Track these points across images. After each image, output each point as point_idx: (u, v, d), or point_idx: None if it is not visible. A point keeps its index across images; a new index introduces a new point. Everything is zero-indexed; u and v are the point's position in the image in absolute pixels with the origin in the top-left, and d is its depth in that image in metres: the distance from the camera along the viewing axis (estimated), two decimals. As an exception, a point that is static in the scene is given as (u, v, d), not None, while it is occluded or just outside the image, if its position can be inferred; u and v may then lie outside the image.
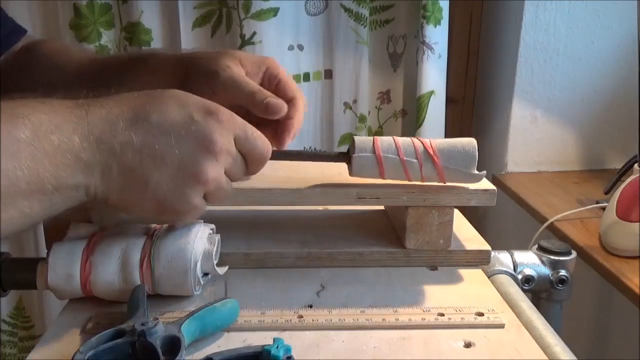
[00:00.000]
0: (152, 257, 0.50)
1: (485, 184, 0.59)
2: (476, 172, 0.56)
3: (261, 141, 0.51)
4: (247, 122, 0.50)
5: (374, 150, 0.56)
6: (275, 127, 0.61)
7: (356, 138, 0.57)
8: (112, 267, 0.50)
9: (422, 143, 0.56)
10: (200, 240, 0.52)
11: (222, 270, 0.54)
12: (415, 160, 0.55)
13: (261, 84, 0.62)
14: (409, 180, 0.57)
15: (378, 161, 0.55)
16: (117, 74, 0.65)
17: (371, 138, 0.57)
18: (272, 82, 0.62)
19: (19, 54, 0.72)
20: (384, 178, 0.57)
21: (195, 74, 0.60)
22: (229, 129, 0.48)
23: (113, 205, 0.47)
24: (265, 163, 0.52)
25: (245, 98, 0.58)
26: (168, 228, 0.54)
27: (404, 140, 0.57)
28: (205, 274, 0.54)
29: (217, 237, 0.55)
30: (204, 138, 0.46)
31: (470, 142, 0.57)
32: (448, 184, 0.58)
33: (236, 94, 0.59)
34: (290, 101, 0.61)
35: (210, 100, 0.61)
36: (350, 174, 0.58)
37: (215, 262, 0.53)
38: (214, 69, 0.59)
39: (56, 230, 0.55)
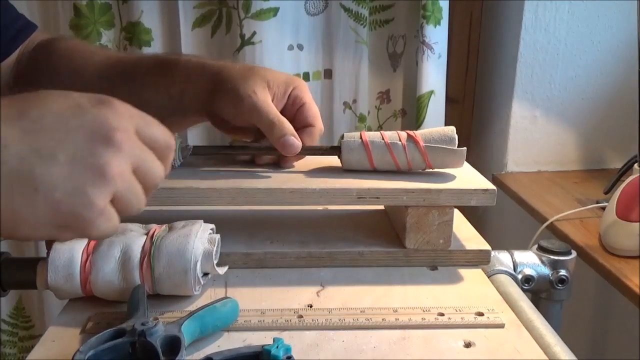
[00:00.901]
0: (152, 257, 0.50)
1: (485, 184, 0.59)
2: (457, 148, 0.60)
3: (162, 129, 0.43)
4: (143, 112, 0.43)
5: (361, 137, 0.61)
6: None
7: (345, 133, 0.63)
8: (112, 267, 0.50)
9: (404, 132, 0.61)
10: (200, 240, 0.52)
11: (222, 270, 0.54)
12: (399, 142, 0.60)
13: (285, 105, 0.63)
14: (397, 166, 0.60)
15: (365, 145, 0.60)
16: (145, 78, 0.64)
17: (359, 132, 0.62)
18: (296, 103, 0.63)
19: (35, 52, 0.71)
20: (372, 162, 0.60)
21: (222, 90, 0.61)
22: (127, 117, 0.40)
23: None
24: (173, 152, 0.44)
25: (265, 128, 0.60)
26: (169, 228, 0.54)
27: (388, 132, 0.62)
28: (205, 274, 0.54)
29: (217, 237, 0.55)
30: (100, 126, 0.38)
31: (447, 127, 0.62)
32: (435, 170, 0.61)
33: (257, 121, 0.60)
34: (307, 127, 0.63)
35: (233, 119, 0.63)
36: (342, 163, 0.61)
37: (215, 262, 0.53)
38: (240, 94, 0.60)
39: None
